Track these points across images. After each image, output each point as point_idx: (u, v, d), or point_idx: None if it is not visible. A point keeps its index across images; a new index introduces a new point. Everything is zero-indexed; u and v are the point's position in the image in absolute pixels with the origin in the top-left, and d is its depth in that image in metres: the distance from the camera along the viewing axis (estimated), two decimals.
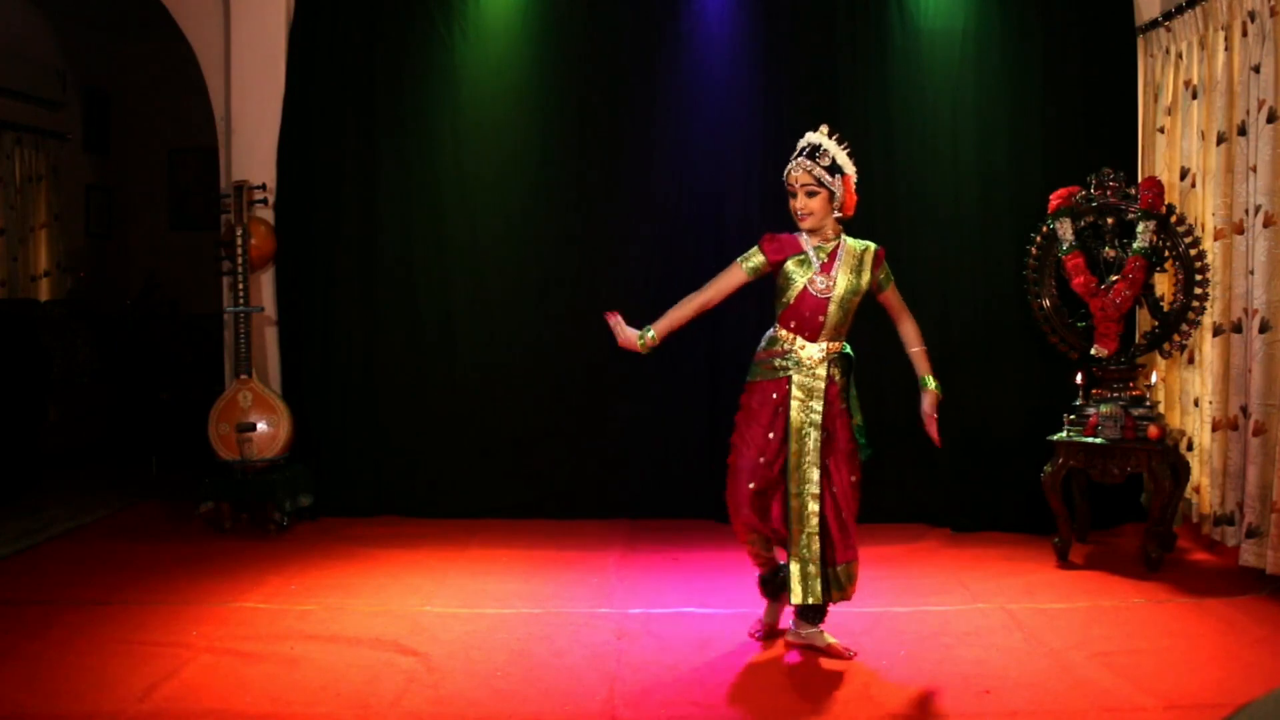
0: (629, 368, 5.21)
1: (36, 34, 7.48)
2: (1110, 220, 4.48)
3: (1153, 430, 4.23)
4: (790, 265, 3.33)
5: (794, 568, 3.29)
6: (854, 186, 3.39)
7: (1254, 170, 4.00)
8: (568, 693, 3.06)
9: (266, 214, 5.24)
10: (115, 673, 3.18)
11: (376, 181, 5.22)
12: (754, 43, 5.11)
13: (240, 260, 5.02)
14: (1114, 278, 4.44)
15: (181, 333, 7.39)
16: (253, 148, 5.28)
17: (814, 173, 3.27)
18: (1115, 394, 4.41)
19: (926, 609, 3.77)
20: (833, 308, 3.30)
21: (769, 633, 3.51)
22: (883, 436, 5.04)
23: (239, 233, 5.03)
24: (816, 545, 3.30)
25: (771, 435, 3.31)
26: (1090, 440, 4.31)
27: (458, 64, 5.20)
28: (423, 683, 3.12)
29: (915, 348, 3.51)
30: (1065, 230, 4.53)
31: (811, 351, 3.33)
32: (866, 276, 3.35)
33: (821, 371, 3.32)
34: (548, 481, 5.18)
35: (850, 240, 3.40)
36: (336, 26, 5.23)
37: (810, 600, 3.29)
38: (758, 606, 3.71)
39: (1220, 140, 4.25)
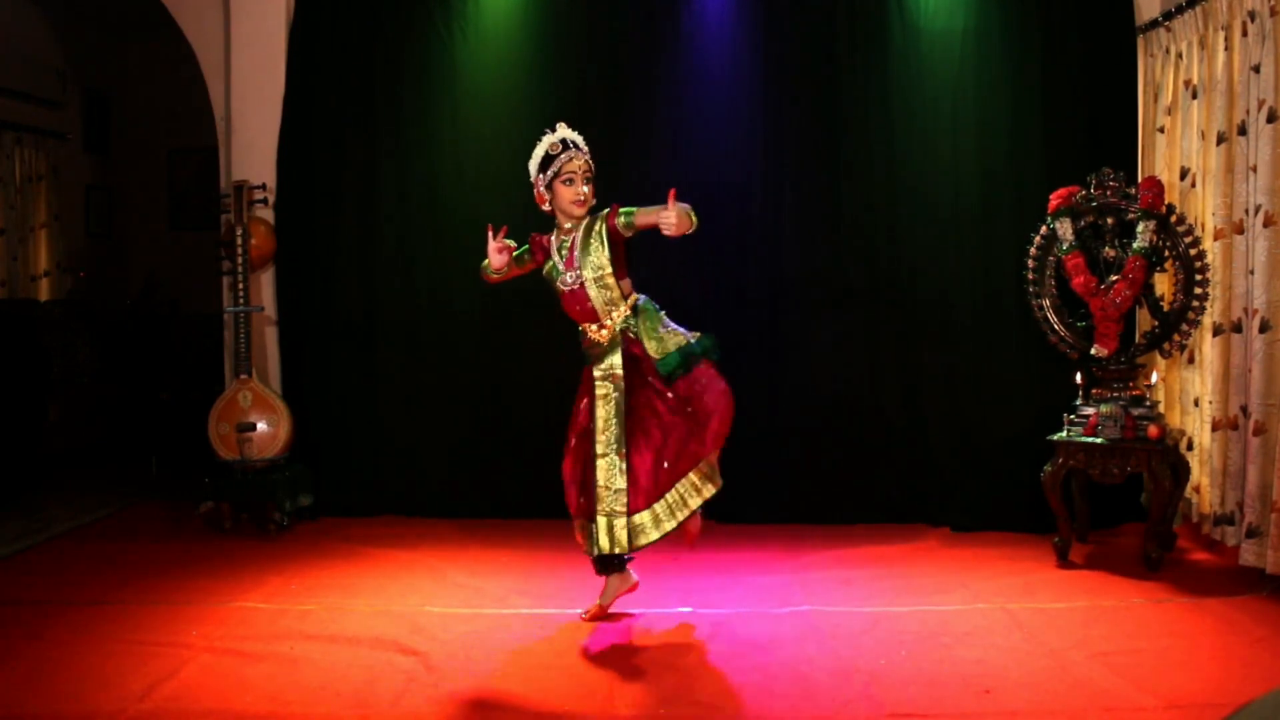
0: None
1: (36, 34, 7.48)
2: (1110, 220, 4.48)
3: (1153, 430, 4.23)
4: (546, 269, 3.65)
5: (600, 521, 3.49)
6: None
7: (1254, 170, 4.00)
8: (568, 693, 3.07)
9: (266, 214, 5.24)
10: (115, 673, 3.19)
11: (376, 181, 5.22)
12: (754, 43, 5.11)
13: (240, 260, 5.02)
14: (1114, 277, 4.43)
15: (181, 333, 7.39)
16: (253, 148, 5.28)
17: (590, 162, 3.59)
18: (1115, 394, 4.41)
19: (926, 609, 3.77)
20: (592, 291, 3.54)
21: (599, 615, 3.66)
22: (882, 437, 5.08)
23: (239, 233, 5.03)
24: (622, 502, 3.48)
25: (584, 404, 3.62)
26: (1090, 440, 4.31)
27: (458, 64, 5.20)
28: (423, 683, 3.12)
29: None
30: (1065, 230, 4.53)
31: (601, 333, 3.59)
32: (604, 234, 3.50)
33: (619, 341, 3.57)
34: (548, 481, 5.15)
35: (588, 218, 3.58)
36: (336, 26, 5.24)
37: (616, 550, 3.49)
38: (757, 605, 3.72)
39: (1220, 140, 4.24)
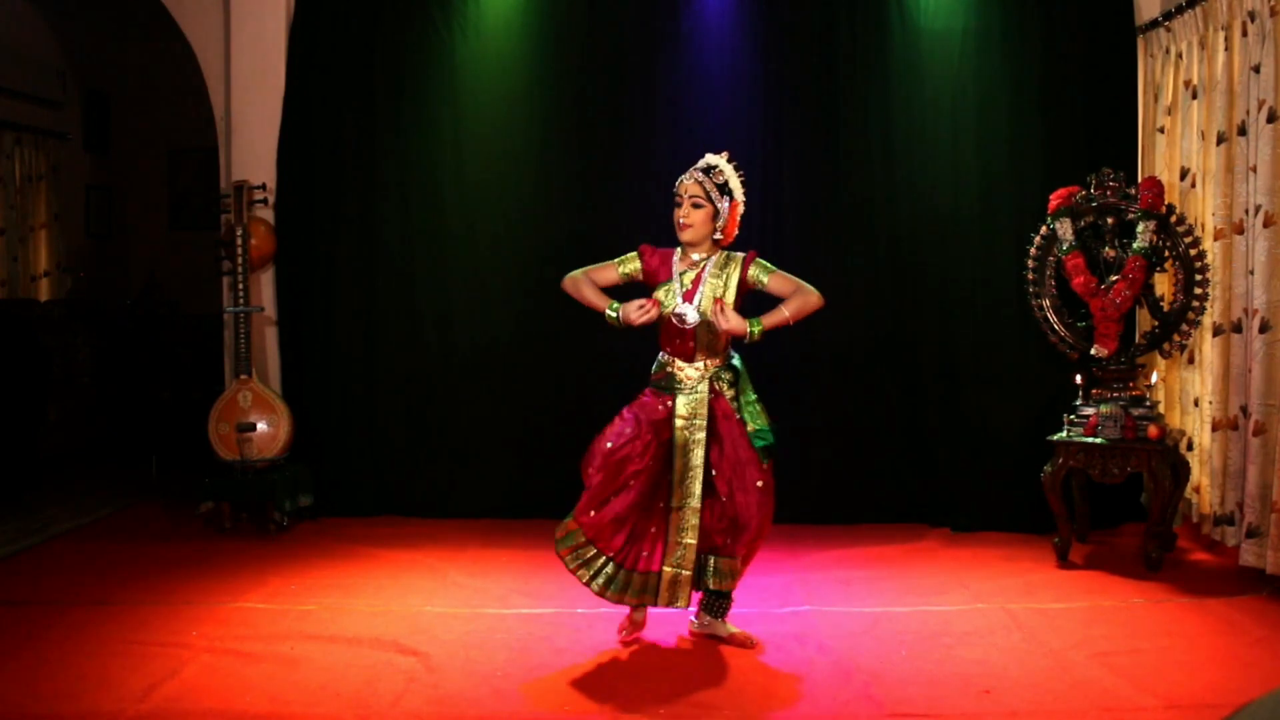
0: (629, 367, 5.21)
1: (36, 34, 7.48)
2: (1110, 220, 4.48)
3: (1153, 430, 4.23)
4: (660, 291, 3.43)
5: (666, 572, 3.36)
6: (740, 215, 3.47)
7: (1254, 170, 4.00)
8: (568, 692, 3.07)
9: (266, 214, 5.24)
10: (115, 673, 3.19)
11: (376, 181, 5.22)
12: (754, 43, 5.11)
13: (240, 260, 5.02)
14: (1114, 278, 4.44)
15: (181, 333, 7.39)
16: (253, 148, 5.28)
17: (704, 186, 3.39)
18: (1115, 394, 4.41)
19: (927, 609, 3.77)
20: (700, 333, 3.37)
21: (635, 628, 3.53)
22: (882, 437, 5.08)
23: (239, 233, 5.03)
24: (691, 556, 3.36)
25: (642, 424, 3.36)
26: (1090, 440, 4.31)
27: (458, 64, 5.20)
28: (423, 683, 3.12)
29: (785, 311, 3.37)
30: (1065, 230, 4.53)
31: (690, 372, 3.41)
32: (735, 282, 3.38)
33: (703, 389, 3.38)
34: (548, 481, 5.17)
35: (722, 254, 3.44)
36: (336, 26, 5.24)
37: (678, 605, 3.38)
38: (757, 605, 3.72)
39: (1220, 140, 4.25)
